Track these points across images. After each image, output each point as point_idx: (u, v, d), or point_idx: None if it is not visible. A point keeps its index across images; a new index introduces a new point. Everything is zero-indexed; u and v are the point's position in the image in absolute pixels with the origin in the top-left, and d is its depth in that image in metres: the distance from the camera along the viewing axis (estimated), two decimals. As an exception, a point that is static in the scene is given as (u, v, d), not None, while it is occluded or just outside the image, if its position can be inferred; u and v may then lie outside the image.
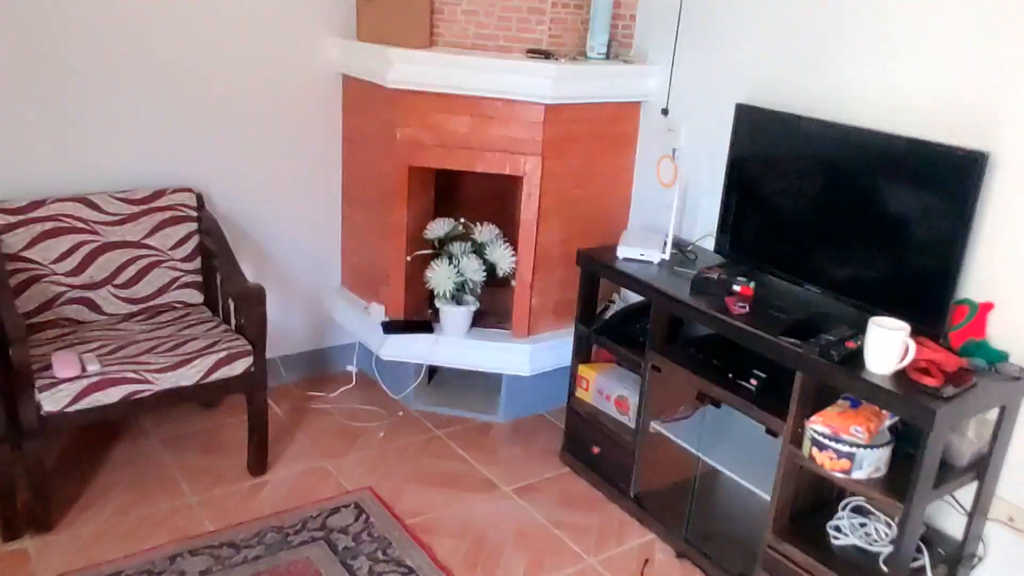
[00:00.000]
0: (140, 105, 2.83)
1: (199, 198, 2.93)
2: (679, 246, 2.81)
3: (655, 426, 2.63)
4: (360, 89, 3.10)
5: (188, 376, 2.50)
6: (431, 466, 2.92)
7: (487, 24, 2.85)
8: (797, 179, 2.47)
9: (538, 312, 3.06)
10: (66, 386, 2.31)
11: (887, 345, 2.01)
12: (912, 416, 1.92)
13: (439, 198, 3.21)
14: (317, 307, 3.44)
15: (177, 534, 2.46)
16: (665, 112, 2.99)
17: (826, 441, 2.07)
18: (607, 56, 2.95)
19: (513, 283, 3.00)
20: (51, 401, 2.29)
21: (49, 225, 2.64)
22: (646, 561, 2.51)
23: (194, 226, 2.90)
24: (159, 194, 2.84)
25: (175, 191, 2.87)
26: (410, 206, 2.99)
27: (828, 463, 2.08)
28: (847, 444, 2.05)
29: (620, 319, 2.82)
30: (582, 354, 2.88)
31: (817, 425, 2.10)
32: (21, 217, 2.60)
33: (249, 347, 2.62)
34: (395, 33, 2.83)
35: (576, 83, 2.82)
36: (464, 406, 3.28)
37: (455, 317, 3.00)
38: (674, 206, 2.76)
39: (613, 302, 2.96)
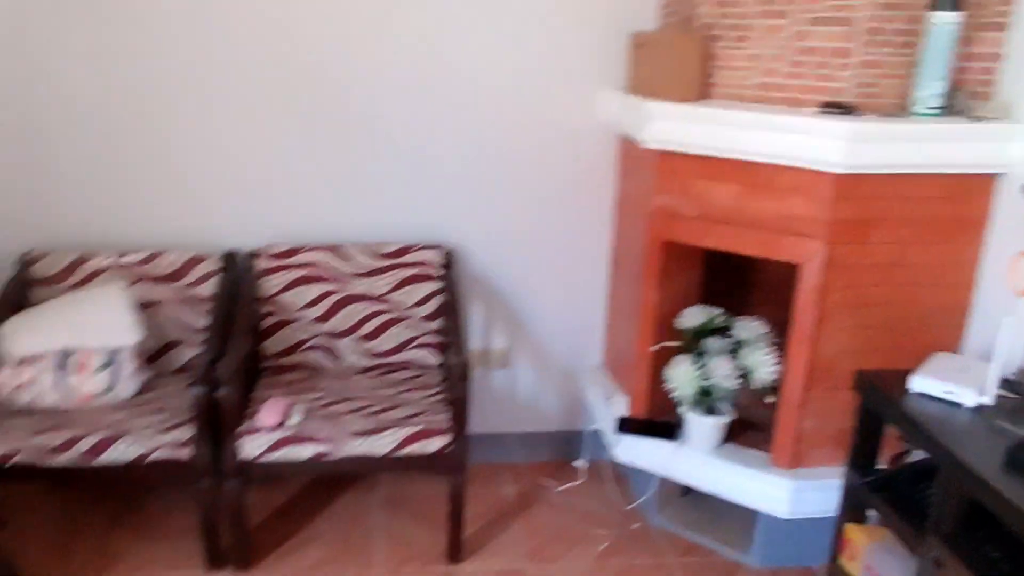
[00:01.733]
0: (402, 160, 2.86)
1: (448, 256, 2.88)
2: (1019, 387, 1.97)
3: (934, 643, 1.86)
4: (628, 149, 2.79)
5: (379, 446, 2.41)
6: (645, 603, 2.46)
7: (775, 71, 2.32)
8: None
9: (811, 440, 2.40)
10: (263, 436, 2.38)
11: None
12: None
13: (715, 280, 2.74)
14: (571, 386, 3.17)
15: (346, 609, 2.39)
16: (1027, 190, 2.15)
17: None
18: (943, 111, 2.21)
19: (768, 399, 2.42)
20: (249, 447, 2.38)
21: (302, 272, 2.79)
22: None
23: (438, 285, 2.85)
24: (406, 250, 2.84)
25: (423, 247, 2.85)
26: (663, 287, 2.57)
27: None
28: None
29: (911, 474, 2.07)
30: (851, 510, 2.18)
31: None
32: (278, 263, 2.78)
33: (449, 425, 2.46)
34: (661, 84, 2.45)
35: (884, 147, 2.15)
36: (714, 535, 2.73)
37: (701, 428, 2.49)
38: (1015, 325, 1.94)
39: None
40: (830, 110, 2.21)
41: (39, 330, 2.49)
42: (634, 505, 2.87)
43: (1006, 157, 2.22)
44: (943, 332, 2.38)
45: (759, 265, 2.90)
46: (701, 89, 2.45)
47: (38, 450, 2.31)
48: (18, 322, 2.51)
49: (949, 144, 2.20)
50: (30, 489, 2.91)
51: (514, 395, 3.17)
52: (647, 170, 2.58)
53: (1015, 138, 2.20)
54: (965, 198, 2.28)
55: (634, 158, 2.74)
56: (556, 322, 3.12)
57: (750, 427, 2.62)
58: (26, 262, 2.70)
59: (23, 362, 2.45)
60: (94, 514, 2.81)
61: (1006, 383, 1.98)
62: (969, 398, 1.92)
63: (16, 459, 2.31)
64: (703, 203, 2.44)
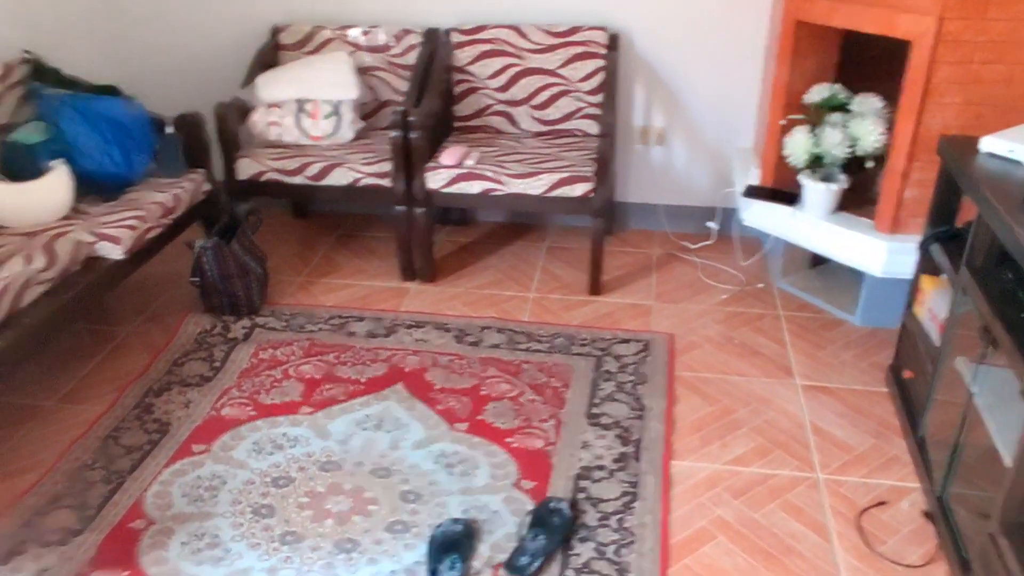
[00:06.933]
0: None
1: (612, 38, 3.42)
2: (1092, 153, 2.24)
3: (959, 365, 2.30)
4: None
5: (534, 187, 3.12)
6: (746, 337, 3.05)
7: None
8: None
9: (912, 207, 2.77)
10: (443, 172, 3.16)
11: None
12: None
13: (852, 64, 3.06)
14: (722, 165, 3.67)
15: (502, 314, 3.21)
16: None
17: (1048, 414, 1.68)
18: None
19: (868, 164, 2.81)
20: (433, 180, 3.18)
21: (488, 47, 3.48)
22: (879, 503, 2.32)
23: (602, 63, 3.41)
24: (576, 30, 3.41)
25: (590, 28, 3.40)
26: (795, 65, 2.96)
27: (1047, 445, 1.69)
28: (1070, 426, 1.64)
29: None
30: (926, 262, 2.58)
31: (1046, 391, 1.70)
32: (469, 38, 3.48)
33: (592, 177, 3.09)
34: None
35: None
36: (828, 298, 3.23)
37: (815, 194, 2.93)
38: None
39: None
40: None
41: (283, 83, 3.39)
42: (757, 266, 3.45)
43: None
44: (1058, 113, 2.62)
45: (894, 47, 3.17)
46: None
47: (280, 171, 3.27)
48: (268, 76, 3.42)
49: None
50: (279, 215, 4.00)
51: (669, 170, 3.74)
52: (789, -47, 2.93)
53: None
54: (1095, -24, 2.46)
55: (786, -56, 3.08)
56: (712, 105, 3.60)
57: (868, 201, 3.02)
58: (274, 31, 3.62)
59: (271, 106, 3.38)
60: (323, 237, 3.83)
61: (1077, 148, 2.27)
62: (1028, 156, 2.25)
63: (265, 176, 3.29)
64: (834, -17, 2.78)
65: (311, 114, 3.36)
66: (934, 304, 2.54)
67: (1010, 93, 2.62)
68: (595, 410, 2.69)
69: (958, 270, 2.30)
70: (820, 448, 2.54)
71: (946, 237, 2.52)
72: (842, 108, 2.90)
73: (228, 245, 3.10)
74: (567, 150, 3.34)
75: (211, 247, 3.08)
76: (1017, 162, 2.28)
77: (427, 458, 2.49)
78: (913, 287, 2.68)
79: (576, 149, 3.35)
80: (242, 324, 3.15)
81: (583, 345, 3.02)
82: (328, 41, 3.58)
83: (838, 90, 2.90)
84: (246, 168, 3.32)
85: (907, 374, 2.65)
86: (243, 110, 3.44)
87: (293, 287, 3.42)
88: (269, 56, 3.60)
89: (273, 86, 3.40)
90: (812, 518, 2.29)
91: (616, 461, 2.48)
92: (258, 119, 3.39)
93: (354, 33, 3.56)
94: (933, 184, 2.71)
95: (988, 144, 2.35)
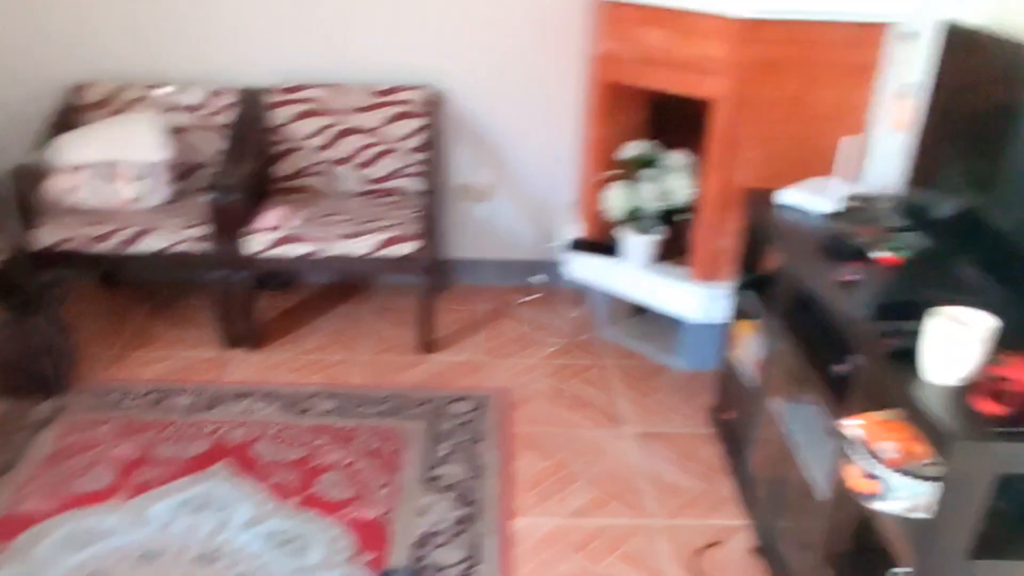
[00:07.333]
0: (394, 8, 3.41)
1: (433, 97, 3.45)
2: (876, 200, 2.47)
3: (774, 405, 2.44)
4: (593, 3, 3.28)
5: (359, 247, 3.08)
6: (575, 389, 3.11)
7: (703, -73, 2.77)
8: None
9: (725, 256, 2.95)
10: (264, 235, 3.06)
11: (944, 345, 1.64)
12: (934, 446, 1.57)
13: (663, 121, 3.24)
14: (545, 219, 3.77)
15: (330, 380, 3.11)
16: (907, 37, 2.57)
17: (854, 451, 1.80)
18: (841, -35, 2.64)
19: (681, 217, 2.98)
20: (252, 244, 3.07)
21: (306, 107, 3.42)
22: (712, 544, 2.41)
23: (424, 121, 3.43)
24: (396, 89, 3.43)
25: (411, 88, 3.43)
26: (608, 124, 3.11)
27: (855, 480, 1.80)
28: (875, 461, 1.75)
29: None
30: (740, 308, 2.74)
31: (852, 428, 1.82)
32: (285, 97, 3.41)
33: (418, 235, 3.08)
34: (610, -62, 2.92)
35: (783, -4, 2.61)
36: (652, 345, 3.36)
37: (633, 246, 3.06)
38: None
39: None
40: (744, -37, 2.67)
41: (86, 144, 3.19)
42: (582, 318, 3.55)
43: (895, 7, 2.66)
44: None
45: (699, 105, 3.39)
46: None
47: (85, 238, 3.05)
48: (70, 137, 3.21)
49: (848, -5, 2.66)
50: (86, 285, 3.74)
51: (495, 226, 3.81)
52: (596, 19, 3.07)
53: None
54: (860, 46, 2.73)
55: (594, 9, 3.22)
56: (534, 162, 3.70)
57: (685, 251, 3.18)
58: (75, 89, 3.41)
59: (75, 169, 3.17)
60: (137, 307, 3.60)
61: (861, 197, 2.49)
62: (820, 207, 2.44)
63: (68, 245, 3.06)
64: (640, 47, 2.94)
65: (119, 177, 3.18)
66: (749, 347, 2.68)
67: (803, 149, 2.85)
68: (432, 473, 2.65)
69: (767, 315, 2.45)
70: (653, 495, 2.61)
71: (756, 283, 2.69)
72: (654, 164, 3.06)
73: (29, 319, 2.86)
74: (393, 208, 3.32)
75: (9, 322, 2.83)
76: (810, 212, 2.47)
77: (257, 538, 2.35)
78: (729, 332, 2.83)
79: (402, 207, 3.34)
80: (47, 405, 2.89)
81: (417, 406, 2.98)
82: (136, 100, 3.40)
83: (649, 147, 3.06)
84: (48, 235, 3.06)
85: (729, 415, 2.78)
86: (43, 173, 3.21)
87: (105, 362, 3.18)
88: (69, 116, 3.38)
89: (76, 148, 3.18)
90: (651, 566, 2.34)
91: (456, 524, 2.44)
92: (56, 183, 3.16)
93: (164, 92, 3.41)
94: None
95: (782, 197, 2.54)
